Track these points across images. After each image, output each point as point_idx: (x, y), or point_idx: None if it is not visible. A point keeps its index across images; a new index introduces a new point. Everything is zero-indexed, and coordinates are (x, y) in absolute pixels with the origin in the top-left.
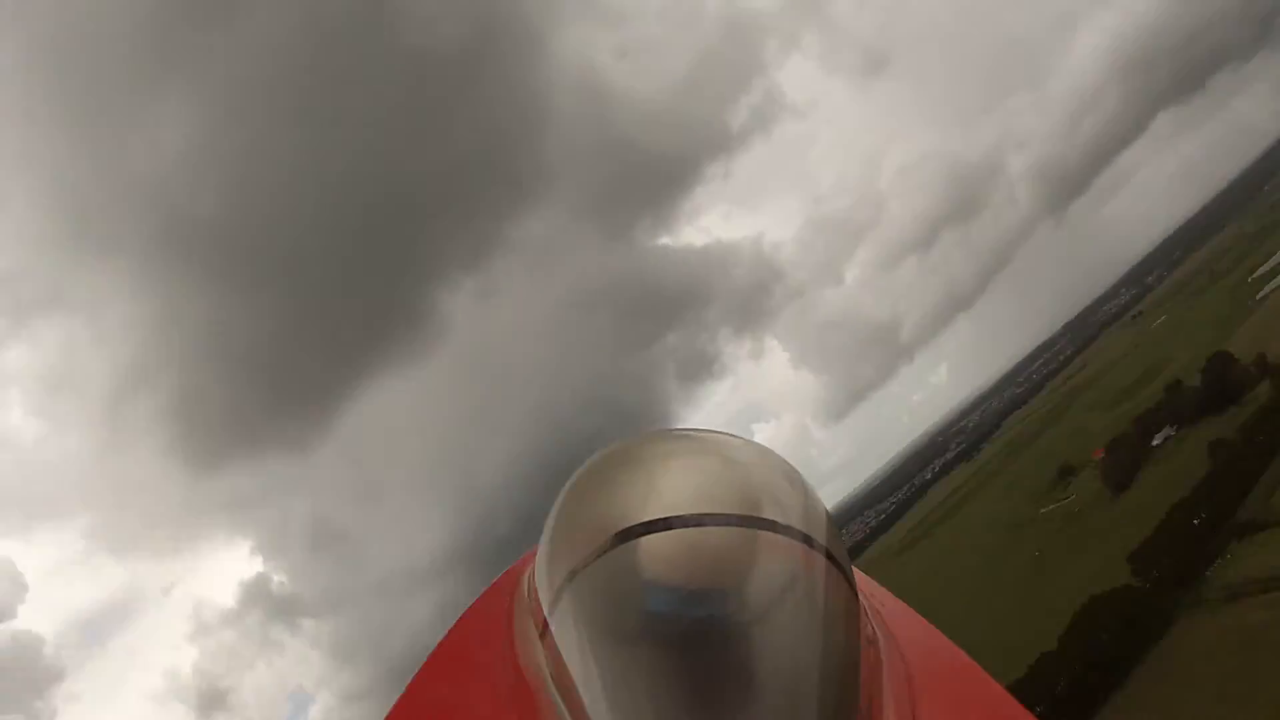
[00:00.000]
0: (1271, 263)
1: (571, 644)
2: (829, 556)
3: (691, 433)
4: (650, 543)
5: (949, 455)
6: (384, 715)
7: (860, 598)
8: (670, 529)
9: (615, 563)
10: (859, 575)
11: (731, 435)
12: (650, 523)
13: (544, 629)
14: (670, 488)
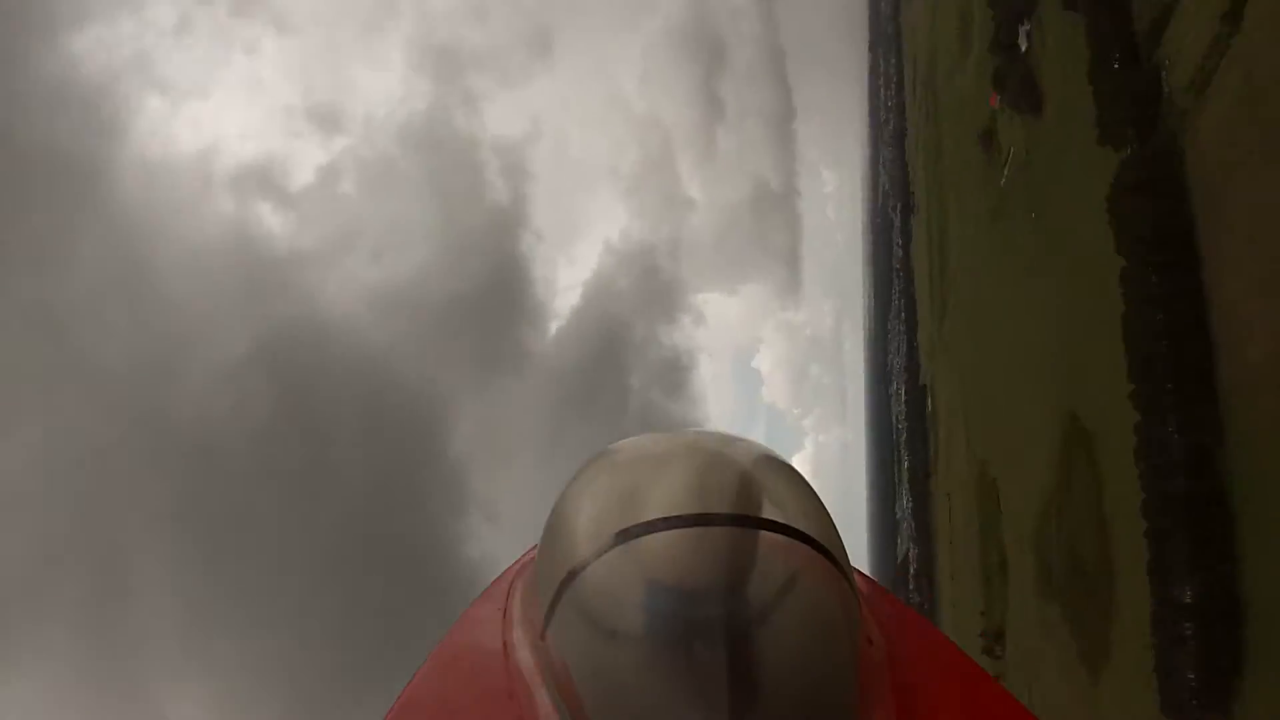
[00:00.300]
0: None
1: (570, 644)
2: (829, 556)
3: (691, 433)
4: (650, 543)
5: None
6: (383, 715)
7: (860, 598)
8: (670, 529)
9: (615, 563)
10: (859, 575)
11: (732, 435)
12: (650, 523)
13: (543, 629)
14: (670, 488)
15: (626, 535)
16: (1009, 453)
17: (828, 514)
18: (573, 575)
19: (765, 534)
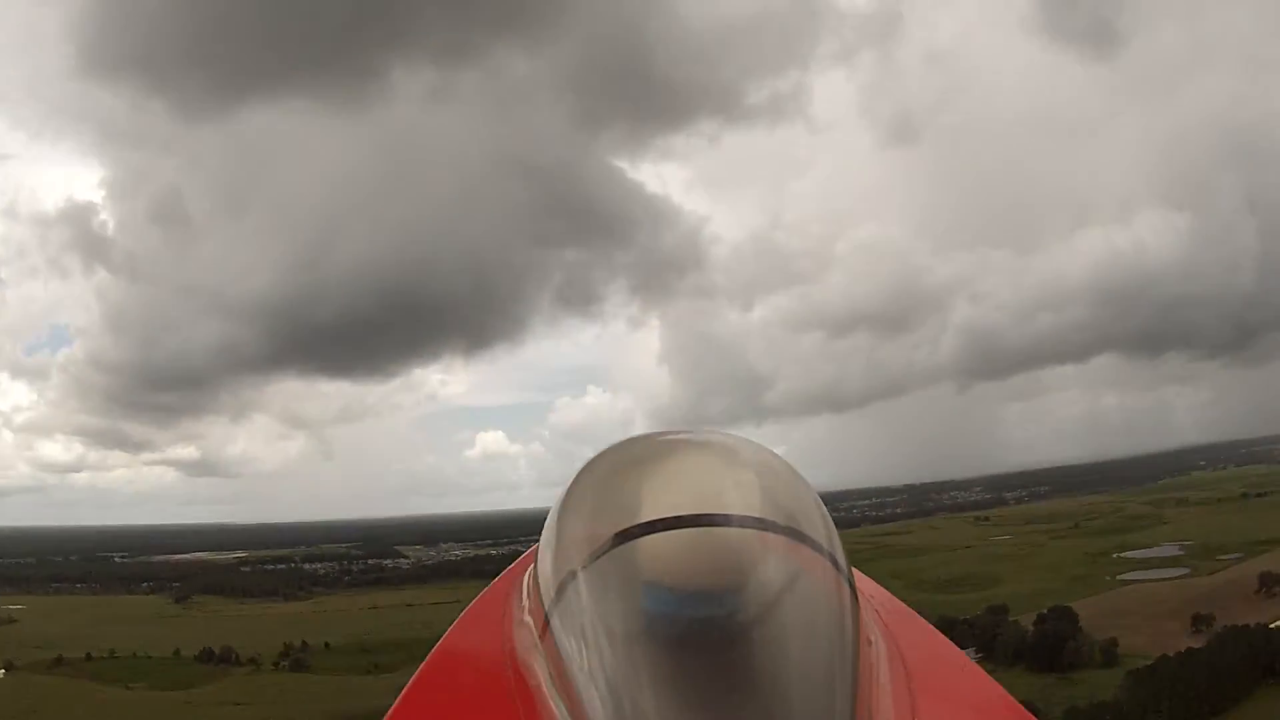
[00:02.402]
0: (1140, 553)
1: (571, 644)
2: (829, 557)
3: (692, 433)
4: (650, 543)
5: None
6: (384, 715)
7: (860, 598)
8: (670, 529)
9: (615, 563)
10: (859, 576)
11: (732, 436)
12: (650, 523)
13: (544, 629)
14: (670, 488)
15: (626, 536)
16: None
17: (827, 515)
18: (573, 575)
19: (765, 534)
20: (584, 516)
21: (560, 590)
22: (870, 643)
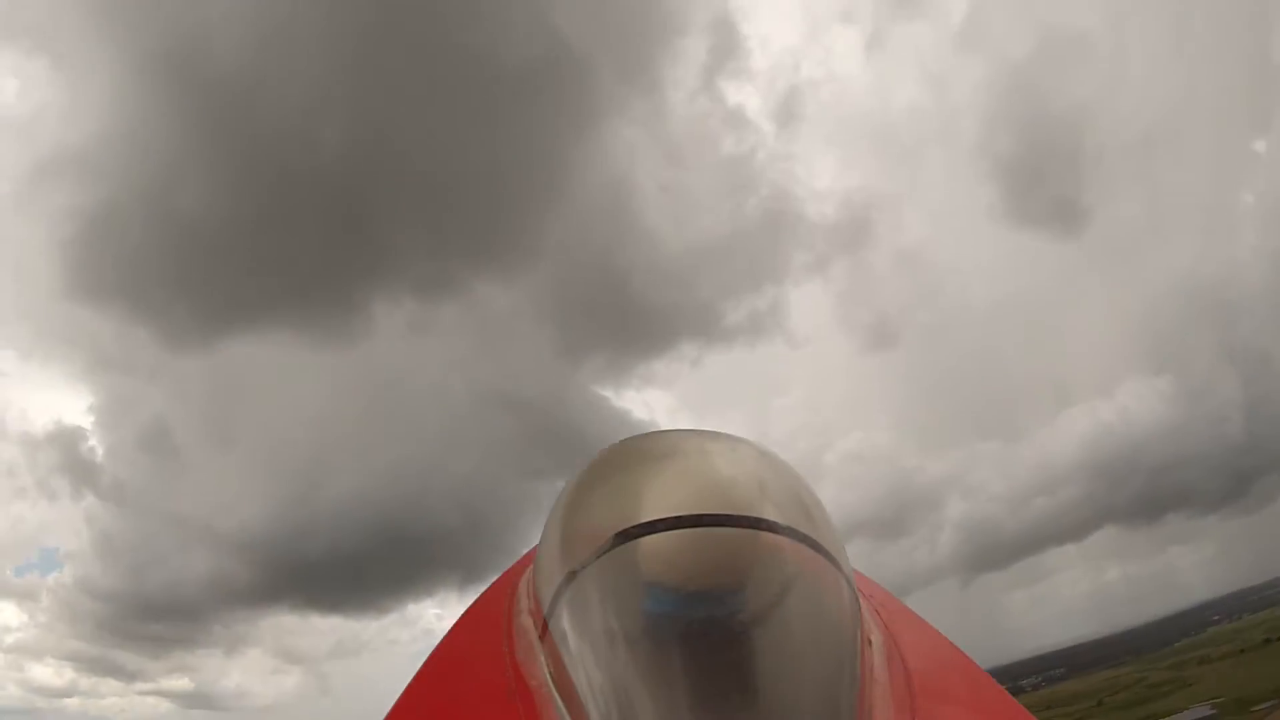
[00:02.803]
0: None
1: (571, 644)
2: (829, 557)
3: (692, 433)
4: (650, 543)
5: None
6: (384, 715)
7: (860, 598)
8: (670, 529)
9: (615, 563)
10: (859, 575)
11: (732, 435)
12: (650, 523)
13: (543, 629)
14: (670, 488)
15: (626, 536)
16: None
17: (827, 514)
18: (573, 576)
19: (765, 534)
20: (584, 516)
21: (560, 590)
22: (871, 643)
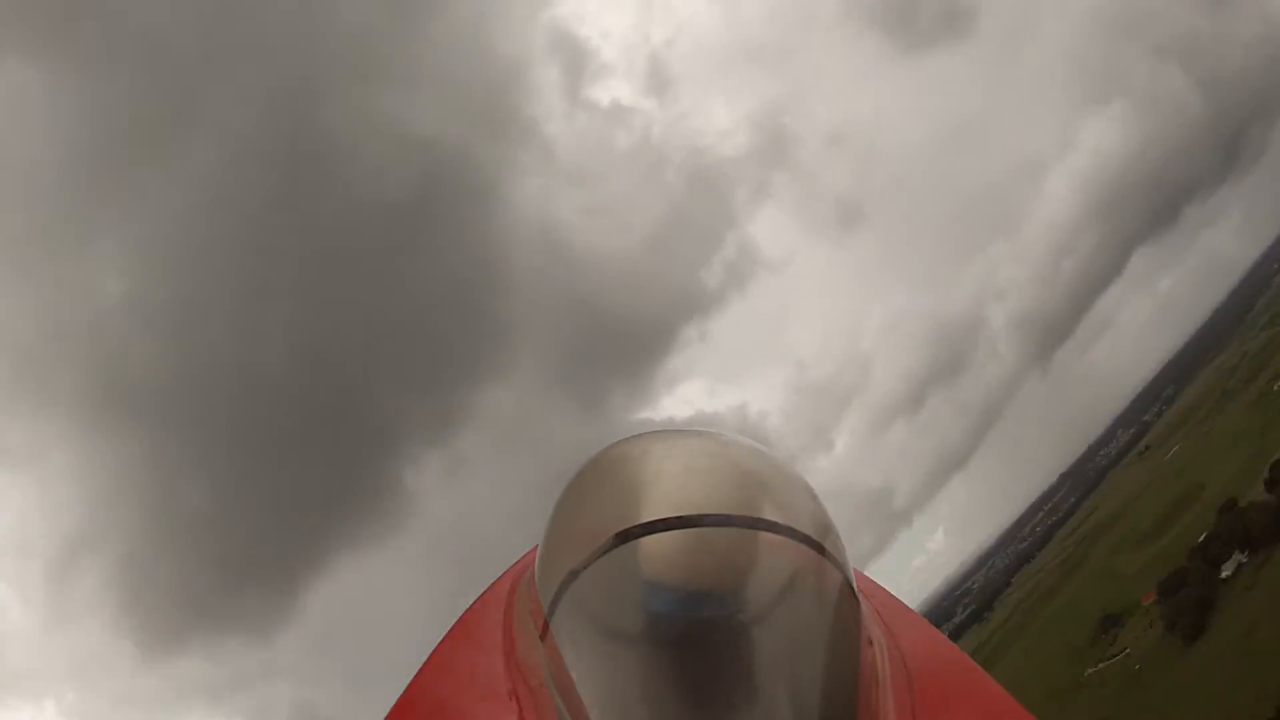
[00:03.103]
0: None
1: (571, 644)
2: (829, 557)
3: (691, 432)
4: (650, 543)
5: (957, 619)
6: (384, 716)
7: (860, 598)
8: (670, 529)
9: (615, 563)
10: (859, 575)
11: (732, 435)
12: (650, 523)
13: (544, 629)
14: (670, 488)
15: (626, 536)
16: None
17: (828, 514)
18: (573, 576)
19: (765, 534)
20: (584, 516)
21: (560, 590)
22: (871, 643)
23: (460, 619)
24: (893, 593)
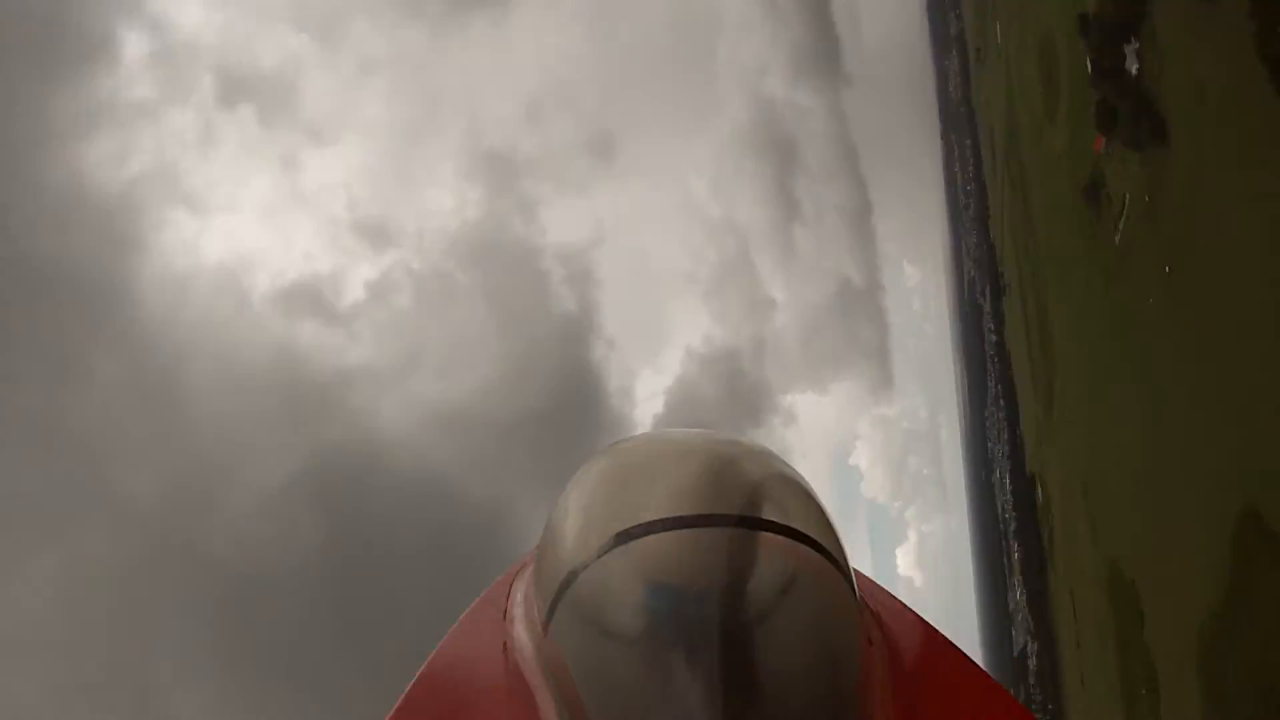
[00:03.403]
0: None
1: (571, 644)
2: (829, 556)
3: (691, 432)
4: (650, 543)
5: None
6: (384, 716)
7: (860, 598)
8: (670, 529)
9: (615, 563)
10: (859, 575)
11: (732, 435)
12: (650, 523)
13: (544, 629)
14: (670, 488)
15: (627, 536)
16: (1151, 551)
17: (828, 514)
18: (573, 575)
19: (765, 534)
20: (584, 516)
21: (560, 590)
22: (871, 643)
23: (461, 619)
24: (892, 594)
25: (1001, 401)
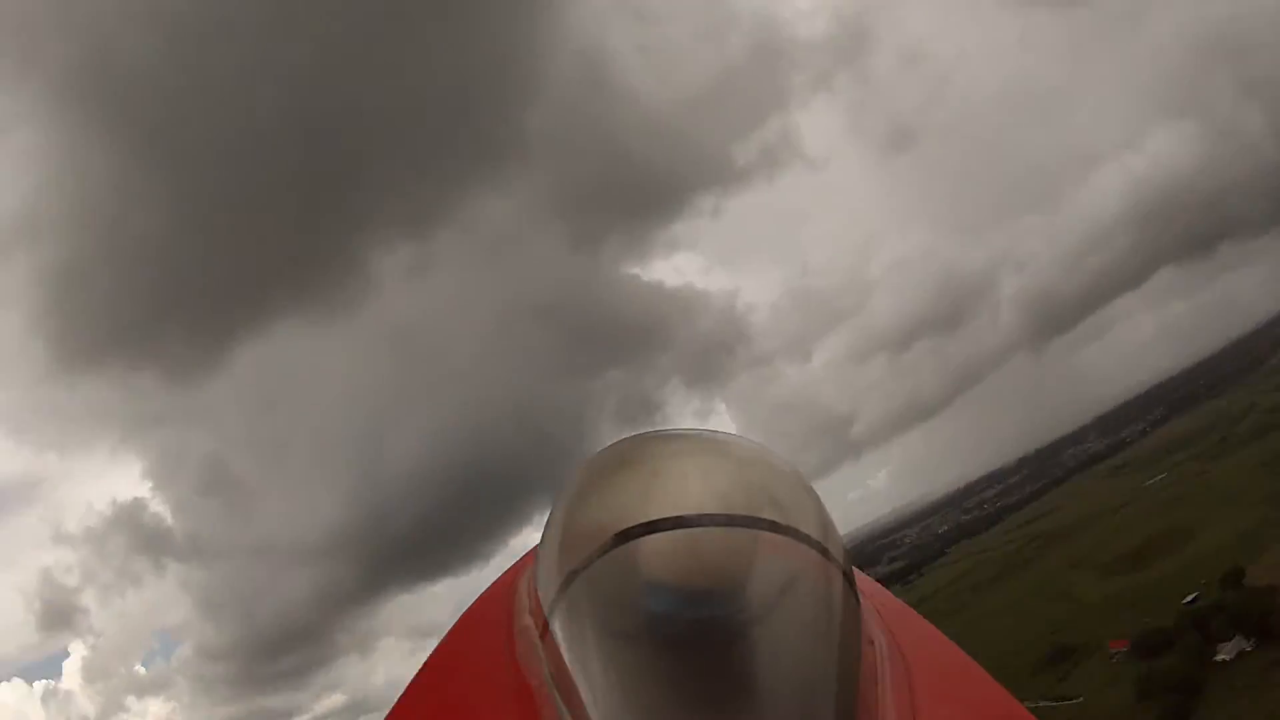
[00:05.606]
0: None
1: (572, 644)
2: (829, 557)
3: (691, 432)
4: (650, 543)
5: (879, 568)
6: (383, 716)
7: (860, 598)
8: (670, 529)
9: (615, 563)
10: (859, 575)
11: (732, 435)
12: (650, 523)
13: (544, 629)
14: (670, 488)
15: (627, 536)
16: None
17: (828, 514)
18: (574, 575)
19: (765, 534)
20: (584, 516)
21: (561, 590)
22: (872, 643)
23: (461, 618)
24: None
25: None
